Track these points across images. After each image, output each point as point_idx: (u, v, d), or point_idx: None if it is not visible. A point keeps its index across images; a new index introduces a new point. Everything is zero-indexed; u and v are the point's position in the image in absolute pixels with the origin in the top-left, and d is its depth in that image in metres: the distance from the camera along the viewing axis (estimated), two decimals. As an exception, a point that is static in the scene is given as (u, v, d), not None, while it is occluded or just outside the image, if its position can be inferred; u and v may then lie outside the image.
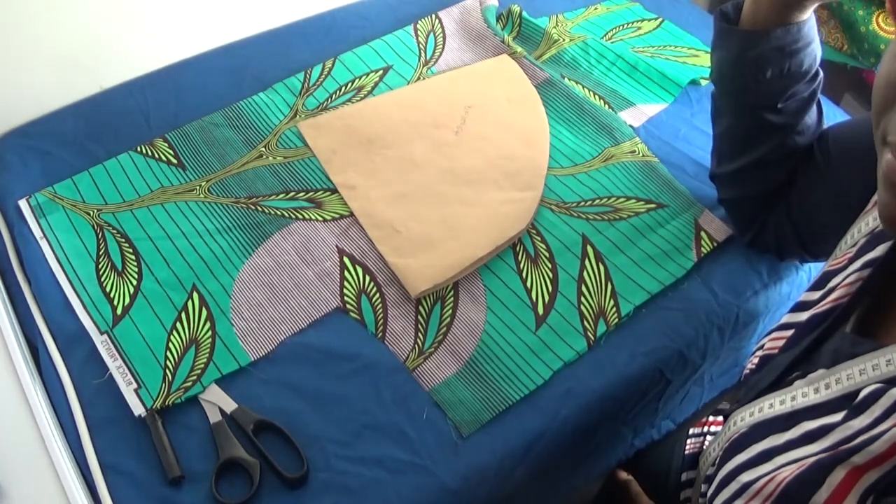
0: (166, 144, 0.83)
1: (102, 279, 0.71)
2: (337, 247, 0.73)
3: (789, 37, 0.62)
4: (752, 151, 0.67)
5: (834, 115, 0.87)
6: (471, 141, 0.82)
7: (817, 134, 0.66)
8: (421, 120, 0.83)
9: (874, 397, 0.40)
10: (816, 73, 0.65)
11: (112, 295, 0.70)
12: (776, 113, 0.64)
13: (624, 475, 0.77)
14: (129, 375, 0.64)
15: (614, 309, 0.69)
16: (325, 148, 0.81)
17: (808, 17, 0.62)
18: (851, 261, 0.50)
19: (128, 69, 0.91)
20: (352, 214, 0.75)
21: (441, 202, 0.76)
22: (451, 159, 0.80)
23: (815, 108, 0.66)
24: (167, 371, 0.64)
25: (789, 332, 0.52)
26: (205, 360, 0.65)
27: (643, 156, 0.81)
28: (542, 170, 0.79)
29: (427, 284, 0.69)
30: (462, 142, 0.81)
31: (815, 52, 0.64)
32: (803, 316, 0.51)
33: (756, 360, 0.55)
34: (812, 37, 0.64)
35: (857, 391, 0.41)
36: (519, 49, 0.92)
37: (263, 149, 0.82)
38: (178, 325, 0.68)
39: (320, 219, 0.75)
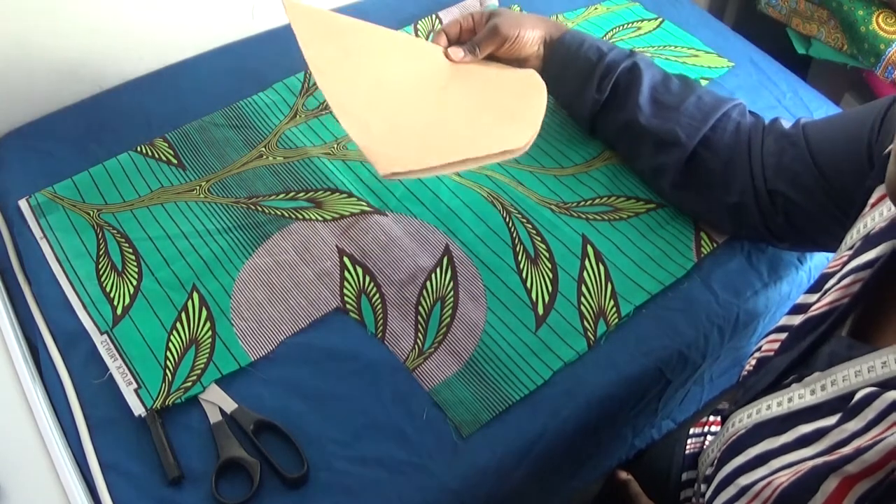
0: (166, 144, 0.83)
1: (102, 279, 0.71)
2: (337, 247, 0.73)
3: (566, 53, 0.76)
4: (660, 167, 0.73)
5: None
6: (457, 94, 0.74)
7: (712, 124, 0.69)
8: (407, 66, 0.76)
9: (867, 401, 0.40)
10: (626, 58, 0.74)
11: (112, 295, 0.70)
12: (641, 113, 0.72)
13: (623, 475, 0.77)
14: (129, 375, 0.64)
15: (614, 309, 0.69)
16: (308, 33, 0.72)
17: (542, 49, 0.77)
18: (846, 264, 0.50)
19: (128, 69, 0.91)
20: (352, 214, 0.75)
21: (421, 111, 0.69)
22: (434, 94, 0.72)
23: (685, 107, 0.71)
24: (167, 371, 0.64)
25: (785, 335, 0.52)
26: (205, 360, 0.65)
27: (643, 156, 0.81)
28: (538, 116, 0.71)
29: (401, 167, 0.59)
30: (447, 94, 0.74)
31: (594, 43, 0.76)
32: (799, 319, 0.51)
33: (753, 362, 0.55)
34: (580, 40, 0.76)
35: (852, 394, 0.41)
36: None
37: (263, 149, 0.82)
38: (178, 325, 0.68)
39: (320, 219, 0.75)
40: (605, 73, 0.74)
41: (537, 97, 0.74)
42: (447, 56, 0.77)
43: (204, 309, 0.69)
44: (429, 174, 0.62)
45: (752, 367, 0.55)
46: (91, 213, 0.76)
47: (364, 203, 0.76)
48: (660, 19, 1.00)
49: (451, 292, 0.70)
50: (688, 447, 0.70)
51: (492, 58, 0.80)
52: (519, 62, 0.79)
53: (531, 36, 0.76)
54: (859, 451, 0.38)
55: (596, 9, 1.02)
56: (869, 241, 0.49)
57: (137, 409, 0.62)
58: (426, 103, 0.70)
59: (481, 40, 0.76)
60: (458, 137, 0.66)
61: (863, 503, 0.38)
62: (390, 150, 0.61)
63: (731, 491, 0.46)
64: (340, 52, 0.73)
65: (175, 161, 0.81)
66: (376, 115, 0.67)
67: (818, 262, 0.75)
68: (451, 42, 0.80)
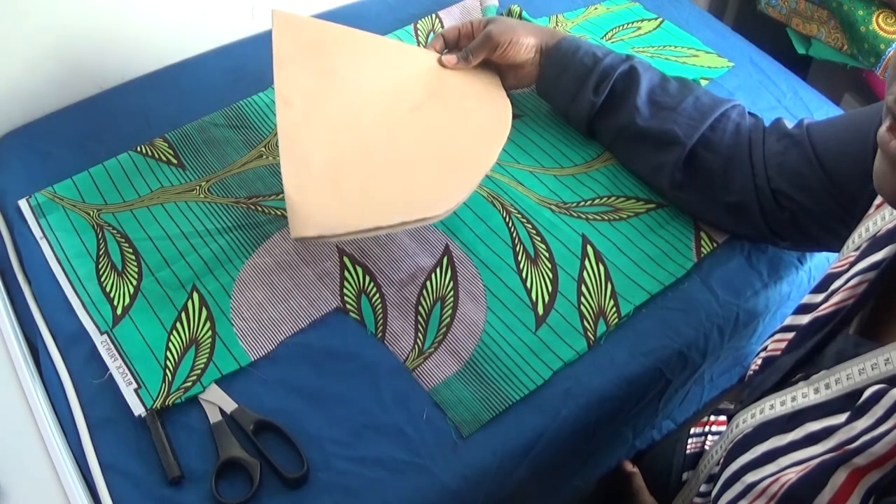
0: (166, 144, 0.83)
1: (102, 279, 0.71)
2: (337, 247, 0.73)
3: (561, 58, 0.76)
4: (658, 167, 0.73)
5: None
6: (421, 122, 0.77)
7: (710, 125, 0.69)
8: (387, 81, 0.79)
9: (875, 398, 0.40)
10: (623, 62, 0.75)
11: (112, 295, 0.70)
12: (639, 115, 0.72)
13: (630, 466, 0.77)
14: (129, 375, 0.64)
15: (614, 309, 0.69)
16: (287, 51, 0.75)
17: (539, 56, 0.78)
18: (853, 264, 0.50)
19: (128, 69, 0.91)
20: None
21: (367, 160, 0.72)
22: (394, 130, 0.75)
23: (681, 109, 0.71)
24: (167, 371, 0.64)
25: (791, 335, 0.52)
26: (205, 360, 0.65)
27: (643, 156, 0.81)
28: (482, 168, 0.74)
29: (312, 231, 0.63)
30: (413, 120, 0.77)
31: (590, 48, 0.76)
32: (805, 318, 0.51)
33: (759, 362, 0.55)
34: (576, 46, 0.76)
35: (860, 391, 0.41)
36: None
37: (263, 149, 0.82)
38: (178, 325, 0.68)
39: (320, 219, 0.75)
40: (601, 77, 0.75)
41: (493, 146, 0.75)
42: (441, 63, 0.79)
43: (204, 309, 0.69)
44: (337, 239, 0.65)
45: (757, 367, 0.55)
46: (91, 213, 0.76)
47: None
48: (660, 19, 1.00)
49: (451, 292, 0.70)
50: (689, 447, 0.70)
51: (490, 65, 0.81)
52: (515, 69, 0.80)
53: (525, 42, 0.77)
54: (867, 444, 0.38)
55: (596, 9, 1.02)
56: (876, 243, 0.49)
57: (137, 409, 0.62)
58: (382, 135, 0.73)
59: (475, 47, 0.78)
60: (384, 200, 0.68)
61: (872, 494, 0.38)
62: (312, 211, 0.64)
63: (737, 488, 0.46)
64: (316, 73, 0.75)
65: (175, 161, 0.81)
66: (320, 156, 0.69)
67: (818, 262, 0.75)
68: (449, 46, 0.82)
